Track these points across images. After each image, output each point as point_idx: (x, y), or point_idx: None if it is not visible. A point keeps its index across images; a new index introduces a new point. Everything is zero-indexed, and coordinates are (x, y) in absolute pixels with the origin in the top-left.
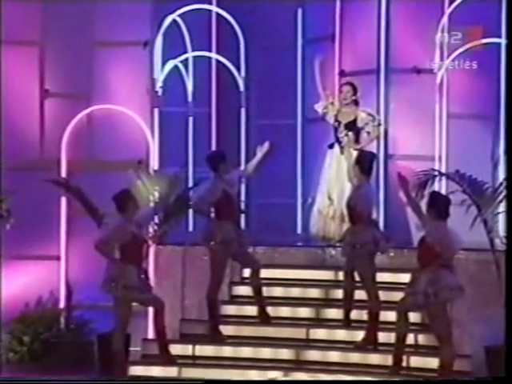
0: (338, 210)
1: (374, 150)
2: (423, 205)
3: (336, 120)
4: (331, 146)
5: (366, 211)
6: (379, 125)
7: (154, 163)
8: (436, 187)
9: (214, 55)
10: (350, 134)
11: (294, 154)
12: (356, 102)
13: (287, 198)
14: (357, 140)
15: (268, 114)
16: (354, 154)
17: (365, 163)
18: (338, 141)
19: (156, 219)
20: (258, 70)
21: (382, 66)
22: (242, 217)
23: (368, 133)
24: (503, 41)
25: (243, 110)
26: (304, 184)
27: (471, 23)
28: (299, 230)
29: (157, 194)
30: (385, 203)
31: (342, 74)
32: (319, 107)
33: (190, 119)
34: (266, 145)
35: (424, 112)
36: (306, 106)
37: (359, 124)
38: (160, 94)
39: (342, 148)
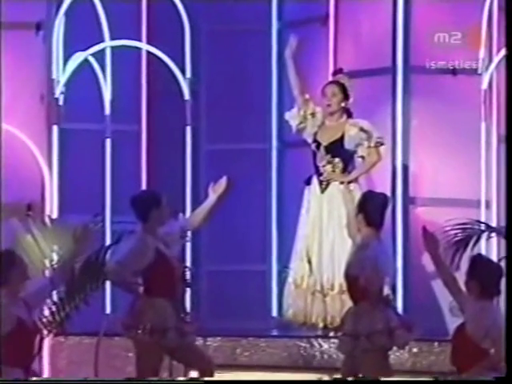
0: (319, 280)
1: (387, 191)
2: (462, 276)
3: (315, 140)
4: (308, 182)
5: (375, 284)
6: (379, 145)
7: (52, 208)
8: (482, 249)
9: (144, 45)
10: (337, 160)
11: (265, 194)
12: (348, 113)
13: (255, 263)
14: (345, 169)
15: (226, 134)
16: (358, 194)
17: (372, 210)
18: (318, 172)
19: (54, 296)
20: (211, 69)
21: (399, 64)
22: (187, 291)
23: (362, 158)
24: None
25: (189, 129)
26: (281, 242)
27: None
28: (274, 312)
29: (55, 257)
30: (403, 272)
31: (338, 73)
32: (292, 118)
33: (108, 141)
34: (223, 181)
35: (462, 134)
36: (285, 124)
37: (347, 145)
38: (61, 102)
39: (321, 183)
